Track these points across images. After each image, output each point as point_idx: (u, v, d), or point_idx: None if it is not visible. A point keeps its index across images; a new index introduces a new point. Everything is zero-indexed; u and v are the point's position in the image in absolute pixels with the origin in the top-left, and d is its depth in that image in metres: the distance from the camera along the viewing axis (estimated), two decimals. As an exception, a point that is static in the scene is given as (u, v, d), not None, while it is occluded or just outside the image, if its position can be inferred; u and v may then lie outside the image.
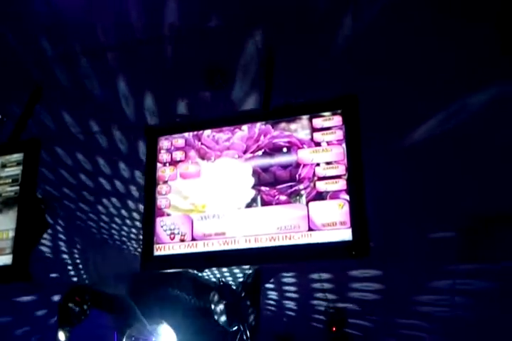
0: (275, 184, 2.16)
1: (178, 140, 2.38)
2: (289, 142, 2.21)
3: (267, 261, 2.22)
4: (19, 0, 2.40)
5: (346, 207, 2.03)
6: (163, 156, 2.38)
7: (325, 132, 2.16)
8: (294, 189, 2.13)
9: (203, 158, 2.32)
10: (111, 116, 3.11)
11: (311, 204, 2.09)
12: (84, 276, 5.50)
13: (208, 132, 2.35)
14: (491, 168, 3.04)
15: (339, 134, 2.14)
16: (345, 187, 2.06)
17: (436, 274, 4.20)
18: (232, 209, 2.20)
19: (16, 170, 2.53)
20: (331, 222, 2.04)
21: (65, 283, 5.39)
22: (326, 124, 2.17)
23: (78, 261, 5.27)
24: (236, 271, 4.87)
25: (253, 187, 2.20)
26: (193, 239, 2.21)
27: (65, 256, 5.14)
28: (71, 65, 2.75)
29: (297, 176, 2.14)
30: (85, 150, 3.48)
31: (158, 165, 2.37)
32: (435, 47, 2.40)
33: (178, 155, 2.36)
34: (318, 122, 2.19)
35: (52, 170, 3.74)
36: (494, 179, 3.10)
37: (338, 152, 2.12)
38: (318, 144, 2.16)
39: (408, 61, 2.47)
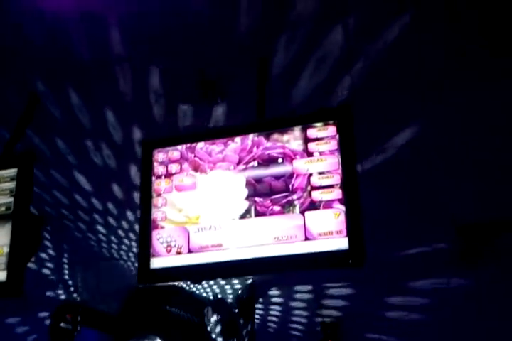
0: (269, 195, 2.18)
1: (174, 152, 2.39)
2: (281, 153, 2.23)
3: (264, 271, 2.22)
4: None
5: (342, 217, 2.05)
6: (159, 169, 2.39)
7: (319, 142, 2.19)
8: (287, 199, 2.14)
9: (196, 170, 2.33)
10: (102, 131, 3.12)
11: (307, 213, 2.10)
12: (75, 293, 5.44)
13: (200, 144, 2.37)
14: (487, 176, 3.08)
15: (333, 144, 2.16)
16: (340, 197, 2.08)
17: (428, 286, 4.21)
18: (226, 220, 2.20)
19: (10, 186, 2.53)
20: (327, 231, 2.05)
21: (54, 300, 5.32)
22: (321, 134, 2.19)
23: (68, 277, 5.22)
24: (228, 287, 4.84)
25: (247, 198, 2.21)
26: (190, 251, 2.20)
27: (55, 272, 5.09)
28: (66, 77, 2.77)
29: (290, 186, 2.16)
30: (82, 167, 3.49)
31: (154, 177, 2.38)
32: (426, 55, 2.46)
33: (174, 167, 2.37)
34: (312, 132, 2.21)
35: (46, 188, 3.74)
36: (488, 186, 3.15)
37: (332, 162, 2.14)
38: (312, 154, 2.18)
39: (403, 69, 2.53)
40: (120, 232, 4.34)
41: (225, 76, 2.63)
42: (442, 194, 3.21)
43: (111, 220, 4.19)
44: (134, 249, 4.56)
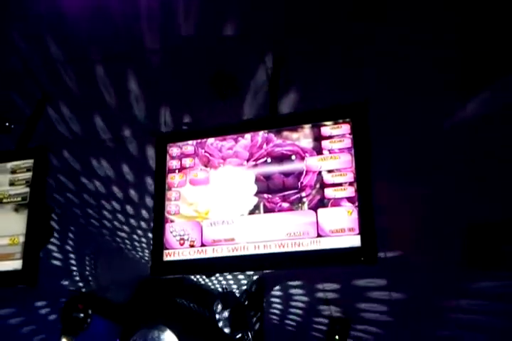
0: (277, 191, 2.19)
1: (188, 147, 2.41)
2: (292, 150, 2.24)
3: (276, 267, 2.24)
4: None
5: (355, 214, 2.06)
6: (173, 163, 2.41)
7: (332, 140, 2.20)
8: (296, 196, 2.16)
9: (206, 165, 2.35)
10: (120, 123, 3.14)
11: (319, 210, 2.11)
12: (86, 283, 5.49)
13: (211, 140, 2.38)
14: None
15: (347, 142, 2.17)
16: (352, 194, 2.09)
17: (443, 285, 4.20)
18: (236, 216, 2.22)
19: (27, 176, 2.56)
20: (339, 228, 2.06)
21: (66, 290, 5.38)
22: (335, 132, 2.20)
23: (80, 267, 5.27)
24: (241, 277, 4.87)
25: (256, 194, 2.23)
26: (203, 245, 2.23)
27: (67, 262, 5.14)
28: (80, 72, 2.78)
29: (299, 184, 2.17)
30: (96, 156, 3.51)
31: (168, 171, 2.40)
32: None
33: (188, 162, 2.39)
34: (326, 130, 2.22)
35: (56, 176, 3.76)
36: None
37: (346, 159, 2.15)
38: (325, 152, 2.18)
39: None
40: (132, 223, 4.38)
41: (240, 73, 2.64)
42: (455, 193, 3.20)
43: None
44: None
